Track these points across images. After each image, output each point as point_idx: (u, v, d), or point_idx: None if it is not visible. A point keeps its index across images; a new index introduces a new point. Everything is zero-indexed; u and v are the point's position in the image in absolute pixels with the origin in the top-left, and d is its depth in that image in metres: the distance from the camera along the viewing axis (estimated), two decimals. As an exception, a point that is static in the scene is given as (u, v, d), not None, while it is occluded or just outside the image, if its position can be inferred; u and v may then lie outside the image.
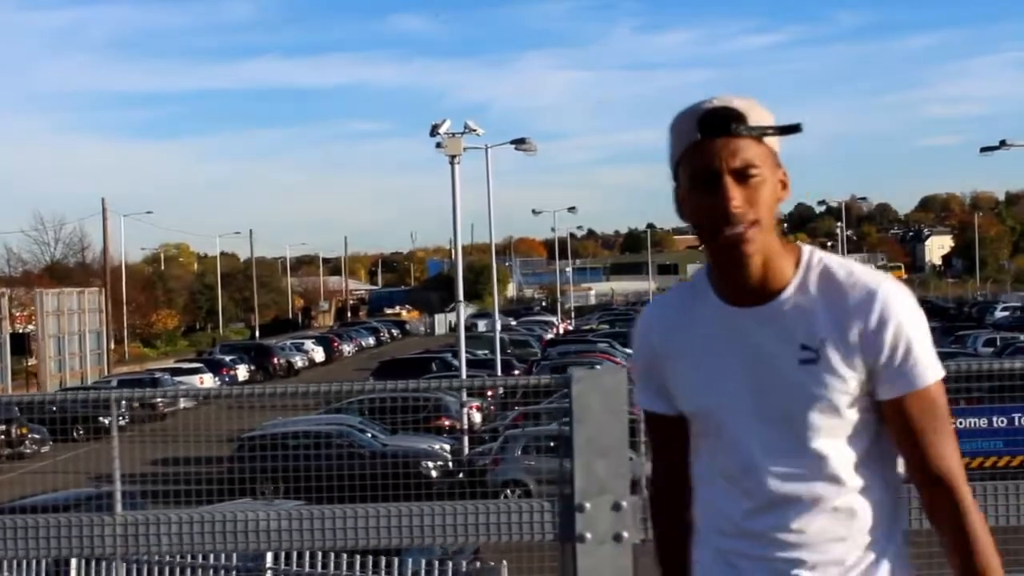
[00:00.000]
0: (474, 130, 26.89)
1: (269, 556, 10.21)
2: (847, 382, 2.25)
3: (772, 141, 2.27)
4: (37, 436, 23.65)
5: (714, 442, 2.36)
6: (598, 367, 9.32)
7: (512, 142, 31.02)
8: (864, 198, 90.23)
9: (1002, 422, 12.82)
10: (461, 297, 28.06)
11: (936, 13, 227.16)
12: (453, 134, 26.97)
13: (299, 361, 54.48)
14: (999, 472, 11.91)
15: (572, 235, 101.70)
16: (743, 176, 2.21)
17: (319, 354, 58.09)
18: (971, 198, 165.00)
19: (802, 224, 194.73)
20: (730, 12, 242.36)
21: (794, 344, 2.26)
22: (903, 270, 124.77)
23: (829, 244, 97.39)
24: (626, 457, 5.47)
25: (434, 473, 12.55)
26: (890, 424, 2.29)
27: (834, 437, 2.27)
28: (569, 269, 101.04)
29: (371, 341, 69.50)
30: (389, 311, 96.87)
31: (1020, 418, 12.29)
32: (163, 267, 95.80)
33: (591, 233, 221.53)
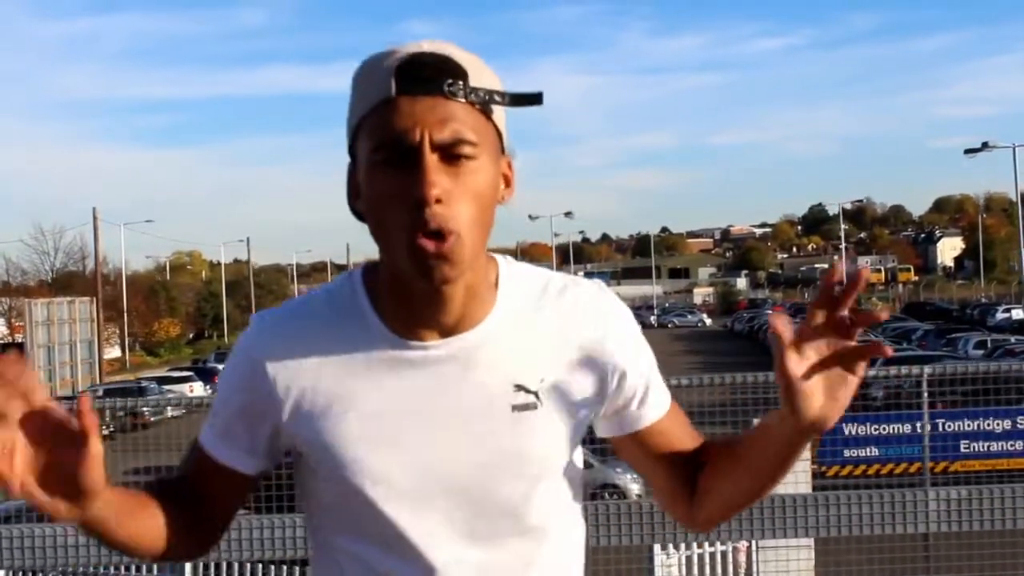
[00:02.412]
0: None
1: (187, 568, 10.23)
2: (575, 430, 1.71)
3: (499, 116, 1.60)
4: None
5: (346, 528, 1.69)
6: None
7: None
8: (862, 200, 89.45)
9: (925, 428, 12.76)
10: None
11: (948, 14, 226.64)
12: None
13: (294, 369, 54.18)
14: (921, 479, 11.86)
15: (586, 240, 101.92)
16: (451, 155, 1.53)
17: (315, 361, 57.83)
18: (984, 199, 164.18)
19: (816, 226, 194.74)
20: (742, 15, 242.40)
21: (505, 386, 1.65)
22: (912, 272, 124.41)
23: (842, 246, 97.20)
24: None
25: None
26: (628, 452, 1.81)
27: (550, 501, 1.72)
28: (581, 274, 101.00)
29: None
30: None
31: (944, 423, 12.25)
32: (168, 275, 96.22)
33: (604, 237, 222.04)
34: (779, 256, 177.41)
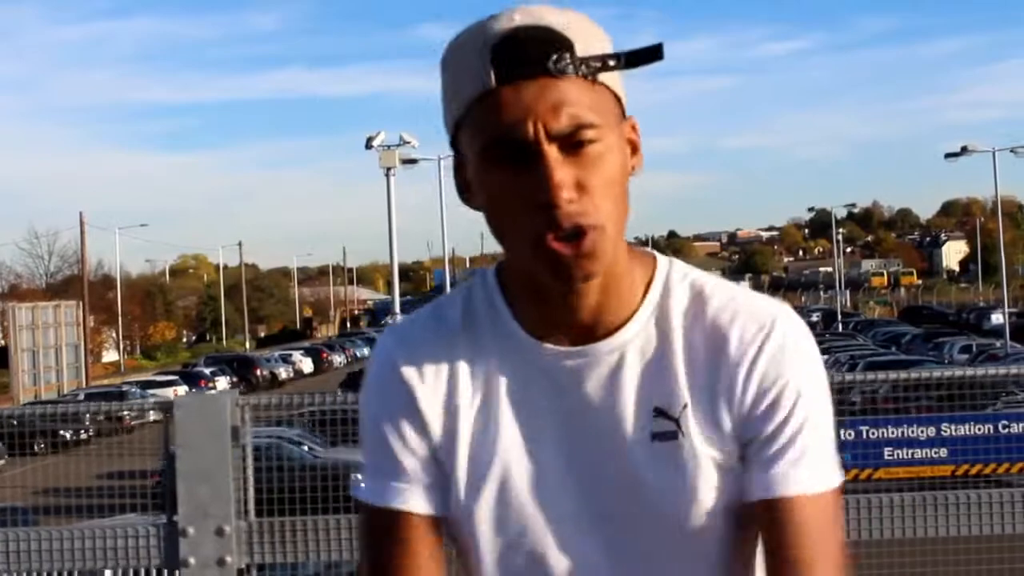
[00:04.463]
0: (408, 142, 26.94)
1: (108, 574, 10.24)
2: (720, 469, 1.44)
3: (614, 80, 1.39)
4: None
5: (501, 559, 1.49)
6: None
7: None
8: (854, 205, 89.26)
9: (849, 435, 12.82)
10: (398, 309, 28.11)
11: (959, 18, 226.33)
12: (388, 146, 27.04)
13: (284, 373, 54.57)
14: (848, 486, 11.89)
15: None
16: (573, 144, 1.33)
17: (307, 365, 58.18)
18: (991, 203, 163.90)
19: (823, 230, 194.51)
20: (752, 19, 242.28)
21: (643, 408, 1.44)
22: (915, 275, 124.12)
23: (849, 250, 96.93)
24: (229, 481, 5.49)
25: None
26: (749, 539, 1.48)
27: (693, 556, 1.47)
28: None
29: (366, 352, 69.50)
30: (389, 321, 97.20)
31: (868, 431, 12.27)
32: (169, 279, 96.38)
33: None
34: (784, 259, 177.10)
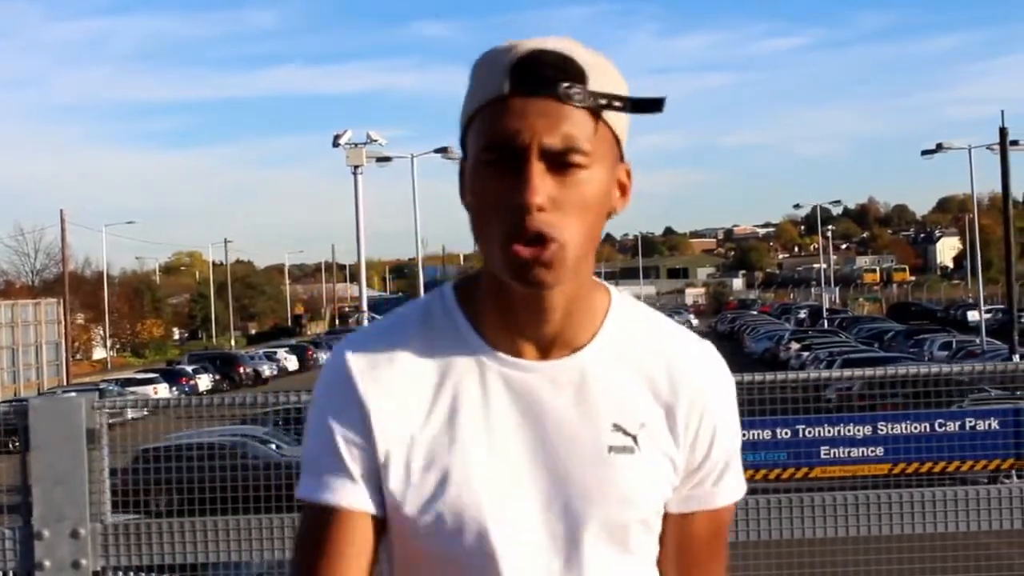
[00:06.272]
0: (376, 140, 26.92)
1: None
2: (666, 488, 1.58)
3: (619, 121, 1.49)
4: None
5: (452, 565, 1.52)
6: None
7: (436, 150, 30.61)
8: (839, 201, 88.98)
9: (785, 433, 12.83)
10: (365, 307, 28.07)
11: (956, 15, 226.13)
12: (355, 144, 27.00)
13: (267, 370, 54.48)
14: (783, 485, 11.90)
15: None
16: (560, 163, 1.43)
17: (292, 363, 58.08)
18: (988, 199, 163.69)
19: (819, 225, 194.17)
20: (750, 15, 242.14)
21: (603, 423, 1.54)
22: (907, 272, 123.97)
23: (844, 247, 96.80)
24: (84, 484, 5.50)
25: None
26: (664, 546, 1.63)
27: (636, 563, 1.58)
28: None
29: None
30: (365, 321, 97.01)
31: (805, 430, 12.27)
32: (158, 276, 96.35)
33: (608, 237, 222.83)
34: (780, 256, 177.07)
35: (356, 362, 1.53)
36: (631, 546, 1.56)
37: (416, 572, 1.54)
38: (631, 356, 1.56)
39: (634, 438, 1.53)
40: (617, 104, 1.46)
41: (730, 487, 1.62)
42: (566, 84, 1.42)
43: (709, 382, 1.59)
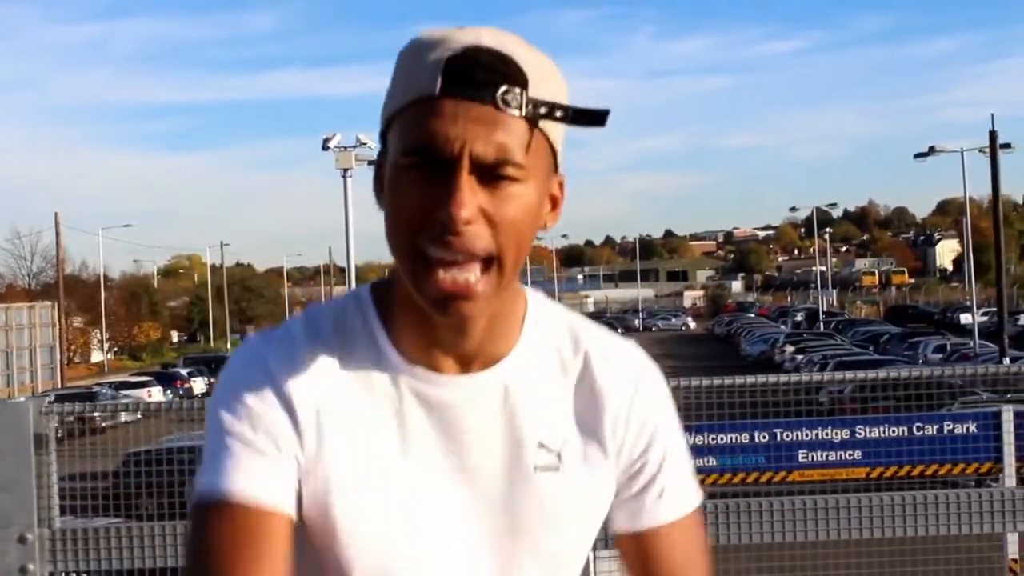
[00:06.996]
0: (365, 143, 26.93)
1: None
2: (595, 502, 1.50)
3: (556, 130, 1.37)
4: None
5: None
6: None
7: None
8: (835, 204, 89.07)
9: (763, 437, 12.84)
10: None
11: (954, 17, 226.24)
12: (344, 148, 27.05)
13: (261, 373, 54.10)
14: (762, 489, 11.90)
15: (588, 242, 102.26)
16: (491, 175, 1.31)
17: (287, 365, 57.75)
18: (987, 202, 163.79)
19: (818, 229, 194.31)
20: (748, 18, 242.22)
21: (527, 440, 1.45)
22: (906, 274, 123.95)
23: (844, 249, 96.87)
24: (31, 490, 5.49)
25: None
26: (629, 558, 1.54)
27: None
28: (580, 277, 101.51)
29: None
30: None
31: (783, 433, 12.26)
32: (156, 279, 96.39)
33: (608, 240, 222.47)
34: (779, 259, 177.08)
35: (274, 356, 1.40)
36: (555, 569, 1.48)
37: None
38: (552, 364, 1.47)
39: (558, 455, 1.45)
40: (558, 114, 1.33)
41: (679, 496, 1.51)
42: (504, 89, 1.29)
43: (633, 385, 1.49)
